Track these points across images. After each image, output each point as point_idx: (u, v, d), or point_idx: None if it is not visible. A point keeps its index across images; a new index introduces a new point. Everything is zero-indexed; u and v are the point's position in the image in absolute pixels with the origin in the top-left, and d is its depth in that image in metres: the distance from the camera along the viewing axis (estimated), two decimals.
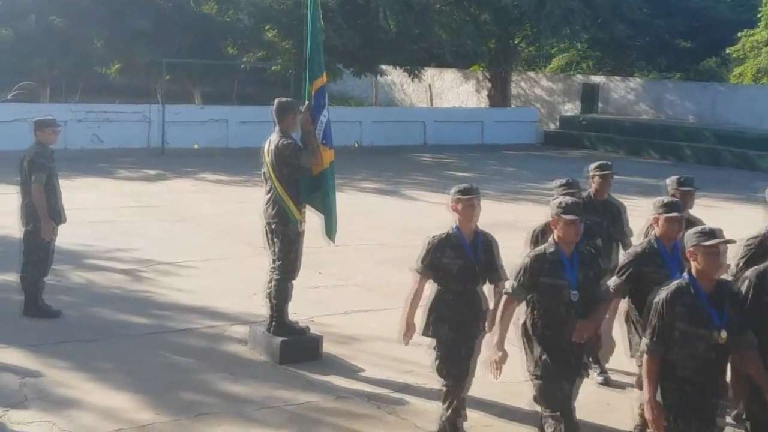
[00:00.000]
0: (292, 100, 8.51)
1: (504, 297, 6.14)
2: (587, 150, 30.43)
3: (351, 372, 8.28)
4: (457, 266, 6.55)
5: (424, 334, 6.78)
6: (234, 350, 8.77)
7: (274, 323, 8.47)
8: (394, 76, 39.93)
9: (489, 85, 36.07)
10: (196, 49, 29.95)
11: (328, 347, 8.73)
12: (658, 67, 40.69)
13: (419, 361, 8.60)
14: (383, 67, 33.91)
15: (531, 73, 39.41)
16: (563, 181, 8.06)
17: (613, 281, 6.50)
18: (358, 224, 14.50)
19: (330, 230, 8.45)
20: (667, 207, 6.50)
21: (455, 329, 6.62)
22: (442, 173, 23.40)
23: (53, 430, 6.75)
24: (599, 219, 8.17)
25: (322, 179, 8.28)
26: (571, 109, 36.00)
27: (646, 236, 7.04)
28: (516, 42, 35.58)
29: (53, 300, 9.78)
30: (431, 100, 39.73)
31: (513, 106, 36.27)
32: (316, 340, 8.63)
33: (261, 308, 9.65)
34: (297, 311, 8.97)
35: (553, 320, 6.07)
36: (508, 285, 6.14)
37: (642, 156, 28.77)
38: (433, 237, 6.65)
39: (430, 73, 38.72)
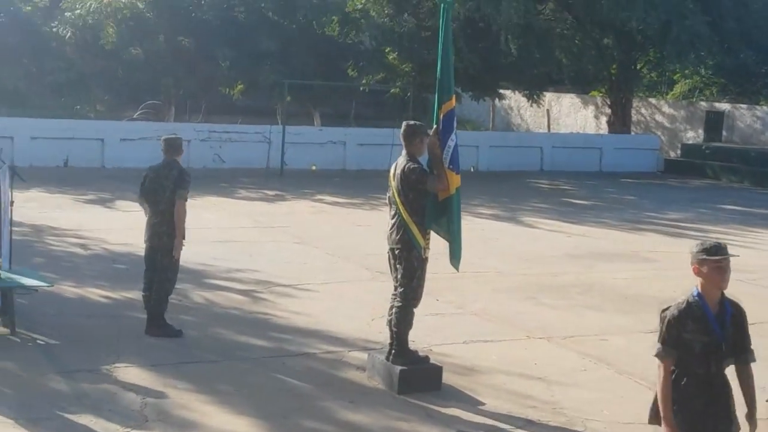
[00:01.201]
0: (420, 124, 8.38)
1: None
2: (710, 180, 29.59)
3: (471, 404, 8.07)
4: (701, 343, 5.40)
5: (652, 422, 5.74)
6: (352, 377, 8.67)
7: (393, 351, 8.34)
8: (511, 100, 39.62)
9: (609, 110, 35.40)
10: (318, 70, 30.30)
11: (447, 377, 8.56)
12: None
13: (541, 396, 8.39)
14: (502, 91, 33.66)
15: (652, 100, 38.55)
16: None
17: None
18: (475, 251, 14.29)
19: (455, 257, 8.29)
20: None
21: (692, 422, 5.45)
22: (560, 200, 23.03)
23: None
24: None
25: (447, 205, 8.12)
26: (693, 137, 35.08)
27: None
28: (638, 67, 34.87)
29: (174, 319, 9.87)
30: (549, 125, 39.25)
31: (633, 132, 35.52)
32: (437, 370, 8.46)
33: (379, 334, 9.58)
34: (415, 339, 8.81)
35: None
36: None
37: None
38: (671, 309, 5.49)
39: (548, 98, 38.28)
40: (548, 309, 11.64)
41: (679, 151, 33.64)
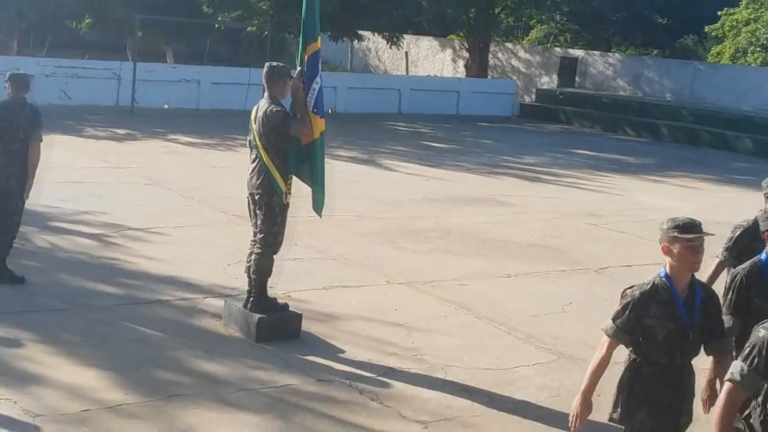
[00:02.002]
0: (284, 66, 8.02)
1: (727, 386, 4.24)
2: (563, 124, 30.15)
3: (331, 353, 7.87)
4: (665, 330, 4.79)
5: (612, 419, 5.07)
6: (207, 325, 8.33)
7: (252, 299, 8.05)
8: (369, 42, 39.35)
9: (466, 54, 35.60)
10: (171, 6, 29.25)
11: (306, 325, 8.31)
12: (634, 42, 40.39)
13: (402, 343, 8.26)
14: (360, 32, 33.33)
15: (509, 44, 38.96)
16: None
17: None
18: (334, 194, 13.98)
19: (318, 204, 8.02)
20: None
21: (655, 416, 4.88)
22: (418, 143, 23.01)
23: (14, 408, 6.29)
24: None
25: (311, 150, 7.83)
26: (547, 82, 35.65)
27: None
28: (496, 12, 35.09)
29: (16, 265, 9.27)
30: (407, 67, 39.20)
31: (490, 77, 35.85)
32: (296, 318, 8.21)
33: (235, 280, 9.28)
34: (272, 285, 8.51)
35: None
36: (735, 369, 4.22)
37: (618, 133, 28.53)
38: (634, 289, 4.89)
39: (407, 41, 38.19)
40: (408, 254, 11.53)
41: (534, 96, 34.14)
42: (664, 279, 4.85)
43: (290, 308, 8.33)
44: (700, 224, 4.85)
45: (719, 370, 4.95)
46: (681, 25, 38.50)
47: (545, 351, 8.33)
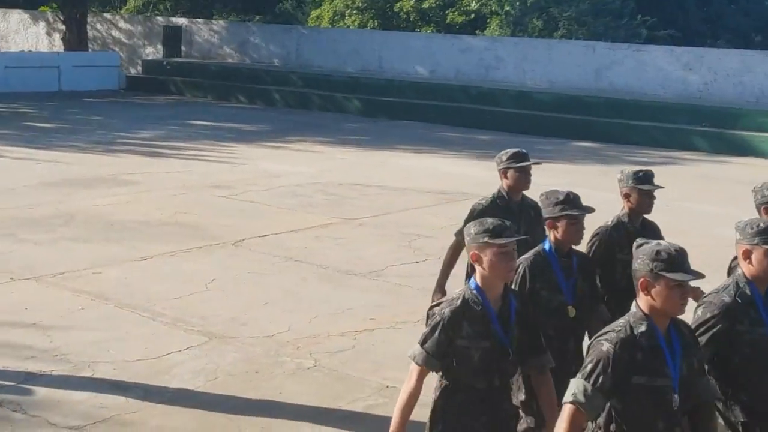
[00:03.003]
0: None
1: (569, 409, 3.70)
2: (174, 96, 29.56)
3: None
4: (480, 351, 4.15)
5: None
6: None
7: None
8: None
9: (62, 27, 33.89)
10: None
11: None
12: (235, 8, 40.51)
13: (39, 344, 7.58)
14: None
15: (107, 15, 37.54)
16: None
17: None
18: None
19: None
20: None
21: None
22: (22, 124, 21.50)
23: None
24: (517, 225, 5.82)
25: None
26: (152, 52, 34.81)
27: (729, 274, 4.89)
28: None
29: None
30: None
31: (91, 49, 34.41)
32: None
33: None
34: None
35: None
36: (577, 389, 3.71)
37: (231, 101, 28.47)
38: (443, 307, 4.24)
39: None
40: (31, 246, 10.62)
41: (140, 68, 33.20)
42: (475, 292, 4.21)
43: None
44: (510, 225, 4.26)
45: (542, 390, 4.39)
46: None
47: (195, 333, 8.01)
